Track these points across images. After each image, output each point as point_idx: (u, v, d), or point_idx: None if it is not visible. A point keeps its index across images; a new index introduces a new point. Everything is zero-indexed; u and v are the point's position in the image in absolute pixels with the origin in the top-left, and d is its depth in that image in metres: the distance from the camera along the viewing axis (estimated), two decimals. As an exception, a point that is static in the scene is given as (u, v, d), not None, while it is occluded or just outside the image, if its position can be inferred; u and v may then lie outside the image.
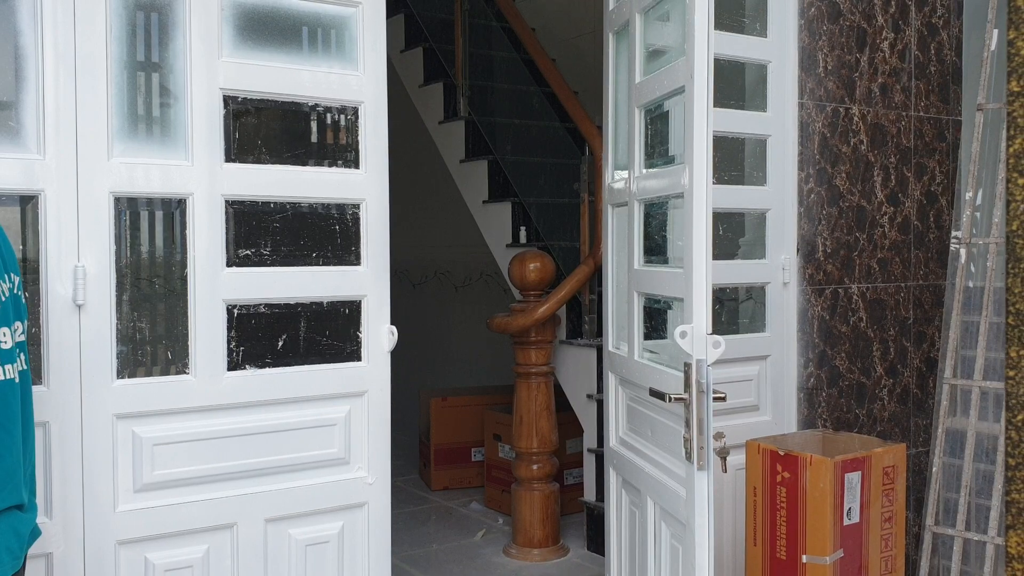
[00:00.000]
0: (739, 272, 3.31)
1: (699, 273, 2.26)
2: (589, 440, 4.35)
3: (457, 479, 5.38)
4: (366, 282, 2.57)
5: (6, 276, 1.77)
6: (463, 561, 4.20)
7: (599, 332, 4.35)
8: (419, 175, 6.35)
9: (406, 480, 5.40)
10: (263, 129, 2.53)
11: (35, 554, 2.06)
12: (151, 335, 2.38)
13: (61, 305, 2.16)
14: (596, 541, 4.24)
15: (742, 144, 3.37)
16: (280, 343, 2.48)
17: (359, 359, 2.57)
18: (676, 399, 2.28)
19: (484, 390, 5.67)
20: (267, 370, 2.44)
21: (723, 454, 2.41)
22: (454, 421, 5.40)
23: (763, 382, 3.33)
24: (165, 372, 2.38)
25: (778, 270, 3.34)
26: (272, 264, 2.45)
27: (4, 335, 1.73)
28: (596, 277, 4.36)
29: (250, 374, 2.41)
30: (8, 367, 1.74)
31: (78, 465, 2.19)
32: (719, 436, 2.33)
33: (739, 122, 3.26)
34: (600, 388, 4.23)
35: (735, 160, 3.36)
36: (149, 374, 2.35)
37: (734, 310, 3.41)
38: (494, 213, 5.09)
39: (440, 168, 5.64)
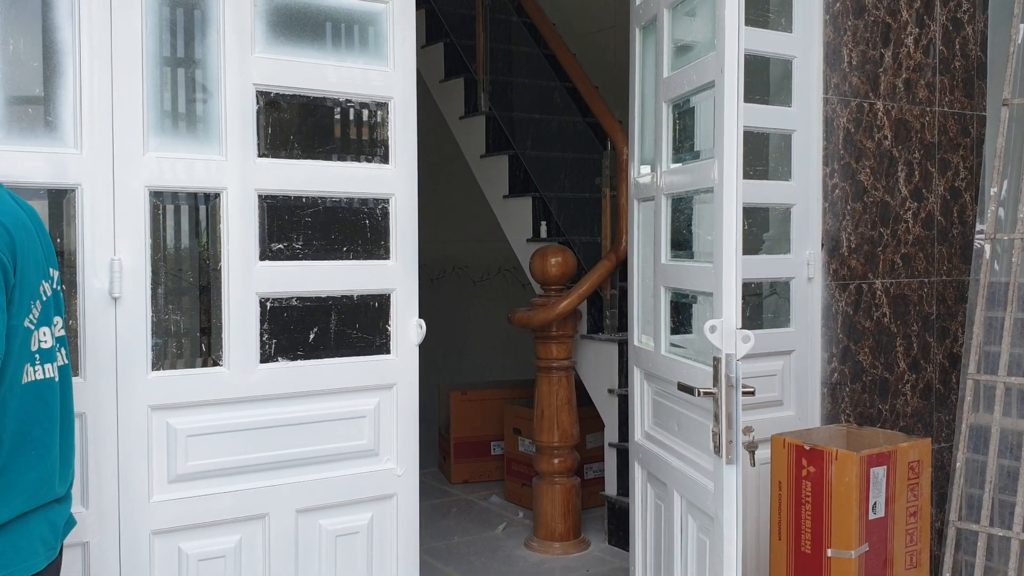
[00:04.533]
0: (764, 267, 3.31)
1: (729, 268, 2.28)
2: (610, 435, 4.37)
3: (477, 472, 5.40)
4: (395, 276, 2.59)
5: (47, 272, 1.79)
6: (485, 554, 4.22)
7: (620, 327, 4.37)
8: (438, 170, 6.37)
9: (426, 473, 5.42)
10: (295, 124, 2.55)
11: (72, 543, 2.09)
12: (185, 328, 2.41)
13: (97, 298, 2.19)
14: (617, 535, 4.26)
15: (767, 139, 3.38)
16: (311, 336, 2.51)
17: (388, 352, 2.60)
18: (705, 393, 2.29)
19: (503, 384, 5.69)
20: (298, 362, 2.46)
21: (751, 448, 2.42)
22: (474, 415, 5.43)
23: (787, 377, 3.33)
24: (199, 364, 2.41)
25: (803, 265, 3.35)
26: (304, 258, 2.47)
27: (44, 334, 1.75)
28: (617, 272, 4.37)
29: (282, 366, 2.43)
30: (48, 366, 1.76)
31: (114, 456, 2.22)
32: (748, 430, 2.34)
33: (764, 117, 3.26)
34: (621, 383, 4.25)
35: (760, 155, 3.37)
36: (183, 366, 2.38)
37: (758, 305, 3.41)
38: (515, 208, 5.11)
39: (459, 163, 5.66)
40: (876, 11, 3.51)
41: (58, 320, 1.82)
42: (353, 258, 2.55)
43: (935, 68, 3.71)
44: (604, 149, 4.62)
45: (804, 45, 3.34)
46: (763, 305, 3.43)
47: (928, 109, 3.69)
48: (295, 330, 2.48)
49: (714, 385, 2.28)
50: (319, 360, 2.50)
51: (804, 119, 3.34)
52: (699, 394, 2.31)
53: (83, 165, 2.17)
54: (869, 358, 3.52)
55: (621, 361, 4.27)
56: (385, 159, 2.58)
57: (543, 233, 4.91)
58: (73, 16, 2.16)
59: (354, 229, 2.56)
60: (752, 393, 2.28)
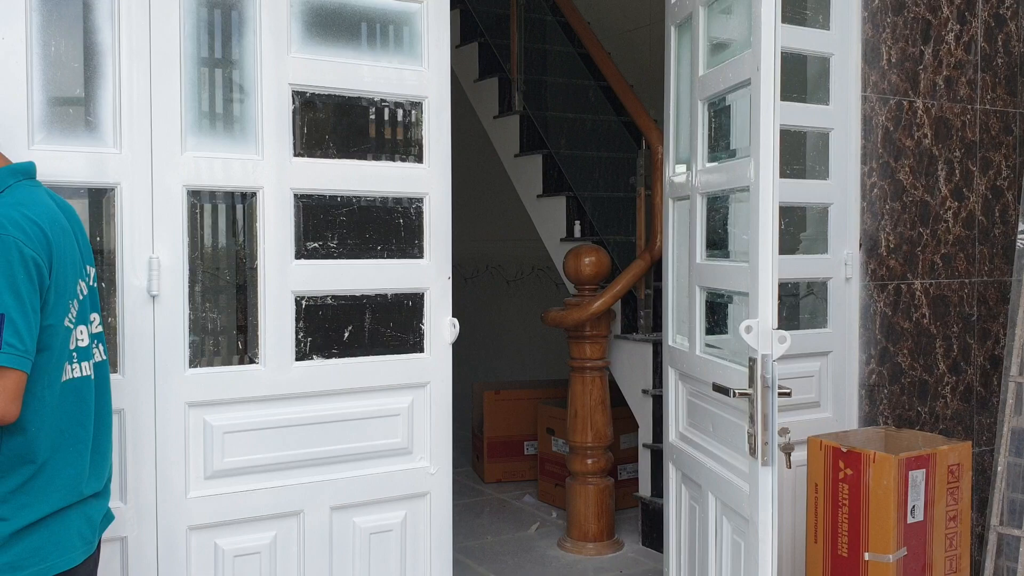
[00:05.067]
0: (801, 267, 3.28)
1: (765, 267, 2.25)
2: (644, 435, 4.34)
3: (510, 472, 5.40)
4: (429, 275, 2.60)
5: (84, 270, 1.81)
6: (518, 553, 4.22)
7: (655, 327, 4.34)
8: (471, 170, 6.38)
9: (459, 472, 5.43)
10: (330, 124, 2.56)
11: (110, 538, 2.12)
12: (222, 325, 2.43)
13: (136, 296, 2.22)
14: (651, 536, 4.23)
15: (804, 138, 3.34)
16: (346, 334, 2.52)
17: (422, 351, 2.61)
18: (741, 394, 2.27)
19: (537, 384, 5.69)
20: (333, 360, 2.48)
21: (788, 450, 2.39)
22: (507, 414, 5.43)
23: (824, 378, 3.30)
24: (235, 362, 2.43)
25: (840, 265, 3.31)
26: (339, 257, 2.49)
27: (82, 332, 1.78)
28: (652, 271, 4.35)
29: (317, 364, 2.45)
30: (85, 364, 1.79)
31: (151, 452, 2.25)
32: (784, 432, 2.31)
33: (801, 115, 3.23)
34: (656, 383, 4.23)
35: (797, 154, 3.33)
36: (220, 363, 2.41)
37: (794, 305, 3.38)
38: (548, 207, 5.10)
39: (493, 162, 5.66)
40: (916, 7, 3.46)
41: (95, 317, 1.85)
42: (387, 257, 2.56)
43: (977, 65, 3.65)
44: (639, 148, 4.59)
45: (842, 42, 3.30)
46: (800, 305, 3.40)
47: (969, 107, 3.63)
48: (330, 328, 2.49)
49: (750, 386, 2.26)
50: (353, 358, 2.51)
51: (842, 117, 3.30)
52: (735, 395, 2.29)
53: (122, 164, 2.20)
54: (908, 359, 3.47)
55: (655, 361, 4.24)
56: (419, 158, 2.58)
57: (577, 232, 4.90)
58: (113, 18, 2.19)
59: (388, 228, 2.57)
60: (789, 394, 2.26)
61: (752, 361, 2.25)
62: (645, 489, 4.34)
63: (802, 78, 3.35)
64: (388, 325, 2.58)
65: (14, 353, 1.58)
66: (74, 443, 1.74)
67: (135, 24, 2.20)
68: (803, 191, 3.27)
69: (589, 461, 4.26)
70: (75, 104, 2.22)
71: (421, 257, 2.59)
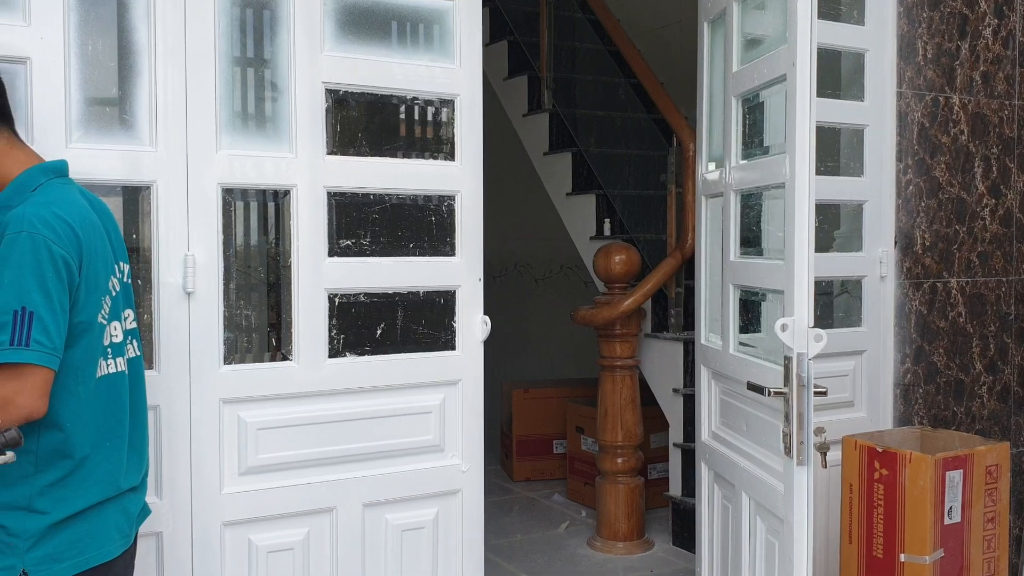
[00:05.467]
0: (835, 265, 3.24)
1: (801, 265, 2.23)
2: (675, 435, 4.32)
3: (539, 471, 5.40)
4: (460, 272, 2.60)
5: (117, 267, 1.82)
6: (548, 552, 4.21)
7: (686, 326, 4.32)
8: (500, 168, 6.37)
9: (488, 470, 5.35)
10: (362, 122, 2.57)
11: (146, 533, 2.14)
12: (256, 322, 2.45)
13: (171, 293, 2.23)
14: (682, 536, 4.21)
15: (838, 134, 3.31)
16: (378, 331, 2.53)
17: (453, 348, 2.61)
18: (776, 393, 2.25)
19: (566, 382, 5.67)
20: (366, 358, 2.49)
21: (823, 449, 2.37)
22: (536, 413, 5.42)
23: (858, 377, 3.26)
24: (269, 359, 2.45)
25: (875, 263, 3.27)
26: (371, 254, 2.49)
27: (115, 329, 1.80)
28: (683, 270, 4.32)
29: (350, 361, 2.46)
30: (119, 360, 1.80)
31: (186, 448, 2.26)
32: (819, 431, 2.29)
33: (835, 112, 3.19)
34: (687, 382, 4.20)
35: (831, 150, 3.30)
36: (253, 360, 2.42)
37: (828, 304, 3.35)
38: (578, 205, 5.08)
39: (522, 161, 5.65)
40: (953, 2, 3.41)
41: (128, 313, 1.86)
42: (419, 255, 2.56)
43: (1015, 60, 3.59)
44: (669, 145, 4.57)
45: (877, 38, 3.26)
46: (834, 304, 3.36)
47: (1007, 103, 3.57)
48: (362, 326, 2.50)
49: (785, 385, 2.23)
50: (386, 356, 2.52)
51: (877, 114, 3.27)
52: (769, 394, 2.27)
53: (158, 162, 2.22)
54: (944, 359, 3.43)
55: (686, 360, 4.22)
56: (451, 156, 2.58)
57: (607, 231, 4.88)
58: (148, 17, 2.21)
59: (420, 226, 2.57)
60: (824, 393, 2.23)
61: (787, 359, 2.23)
62: (676, 488, 4.32)
63: (836, 74, 3.32)
64: (420, 322, 2.59)
65: (42, 350, 1.59)
66: (110, 438, 1.76)
67: (170, 23, 2.22)
68: (837, 188, 3.24)
69: (619, 460, 4.25)
70: (111, 103, 2.24)
71: (453, 255, 2.59)
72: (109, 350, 1.77)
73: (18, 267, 1.59)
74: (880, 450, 2.78)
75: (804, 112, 2.23)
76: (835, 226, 3.35)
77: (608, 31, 5.22)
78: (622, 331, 4.23)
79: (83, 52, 2.15)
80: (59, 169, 1.81)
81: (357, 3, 2.46)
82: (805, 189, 2.23)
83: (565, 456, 5.23)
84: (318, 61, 2.39)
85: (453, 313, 2.60)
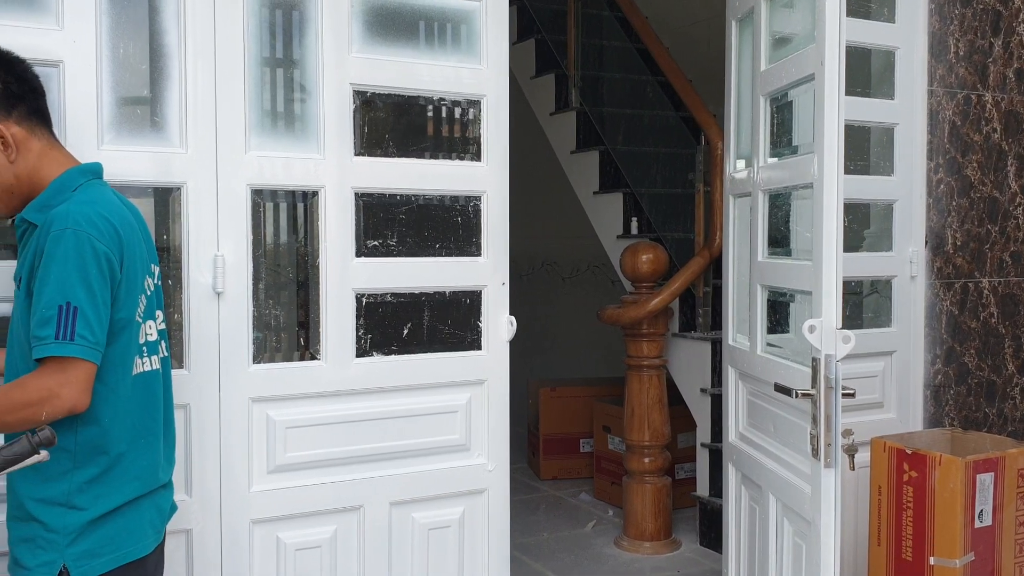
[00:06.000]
0: (864, 265, 3.22)
1: (829, 266, 2.22)
2: (702, 435, 4.30)
3: (566, 469, 5.40)
4: (486, 273, 2.60)
5: (150, 268, 1.85)
6: (575, 551, 4.22)
7: (714, 325, 4.30)
8: (527, 166, 6.37)
9: (515, 469, 5.37)
10: (389, 123, 2.58)
11: (176, 530, 2.17)
12: (284, 322, 2.47)
13: (201, 293, 2.26)
14: (709, 536, 4.20)
15: (868, 133, 3.28)
16: (405, 331, 2.54)
17: (479, 348, 2.61)
18: (803, 395, 2.24)
19: (593, 381, 5.67)
20: (392, 357, 2.50)
21: (851, 452, 2.35)
22: (563, 411, 5.42)
23: (888, 378, 3.23)
24: (297, 358, 2.47)
25: (905, 263, 3.24)
26: (398, 255, 2.51)
27: (150, 327, 1.83)
28: (711, 269, 4.30)
29: (377, 361, 2.47)
30: (153, 358, 1.83)
31: (216, 446, 2.29)
32: (847, 433, 2.27)
33: (865, 110, 3.17)
34: (714, 382, 4.19)
35: (861, 149, 3.27)
36: (282, 359, 2.44)
37: (858, 304, 3.32)
38: (605, 204, 5.07)
39: (549, 159, 5.65)
40: (986, -2, 3.37)
41: (159, 314, 1.89)
42: (445, 255, 2.57)
43: (1049, 57, 3.54)
44: (697, 144, 4.55)
45: (908, 35, 3.23)
46: (863, 304, 3.34)
47: (1041, 100, 3.52)
48: (389, 325, 2.51)
49: (812, 386, 2.22)
50: (412, 355, 2.53)
51: (907, 112, 3.24)
52: (797, 396, 2.26)
53: (188, 164, 2.24)
54: (975, 360, 3.39)
55: (714, 360, 4.20)
56: (477, 156, 2.59)
57: (634, 229, 4.87)
58: (179, 19, 2.23)
59: (446, 226, 2.58)
60: (853, 395, 2.22)
61: (815, 361, 2.22)
62: (703, 488, 4.30)
63: (866, 72, 3.29)
64: (446, 322, 2.60)
65: (86, 345, 1.62)
66: (145, 435, 1.79)
67: (200, 25, 2.24)
68: (867, 187, 3.21)
69: (646, 460, 4.24)
70: (142, 105, 2.27)
71: (479, 255, 2.60)
72: (144, 348, 1.80)
73: (63, 263, 1.62)
74: (909, 452, 2.76)
75: (832, 112, 2.22)
76: (865, 225, 3.32)
77: (636, 28, 5.20)
78: (649, 331, 4.22)
79: (114, 55, 2.18)
80: (96, 171, 1.84)
81: (384, 4, 2.47)
82: (833, 190, 2.21)
83: (592, 455, 5.22)
84: (346, 62, 2.40)
85: (479, 313, 2.61)
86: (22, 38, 2.02)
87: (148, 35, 2.25)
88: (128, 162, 2.17)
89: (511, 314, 2.63)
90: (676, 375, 4.46)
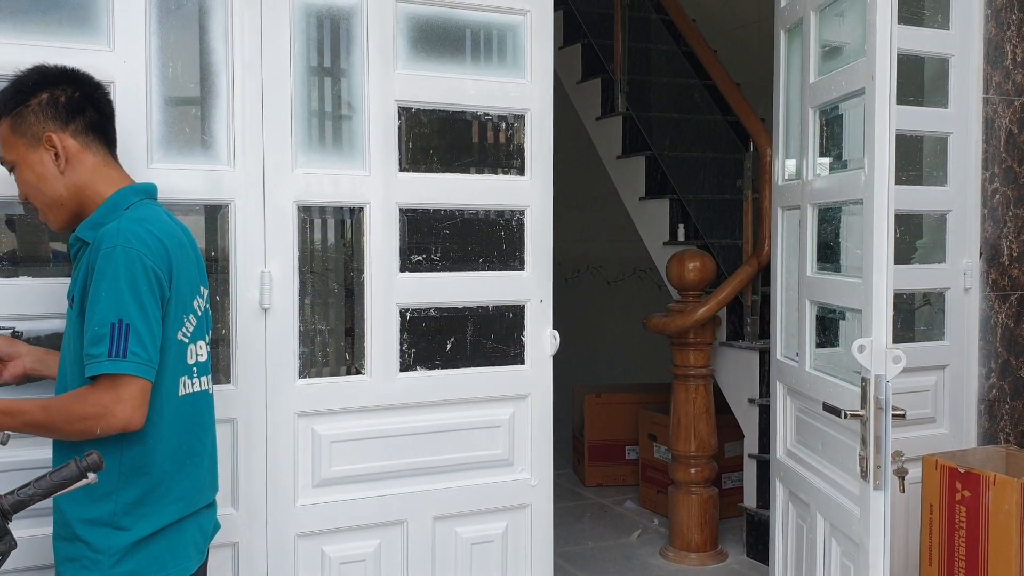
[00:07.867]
0: (916, 277, 3.15)
1: (879, 284, 2.17)
2: (750, 445, 4.25)
3: (611, 476, 5.37)
4: (529, 287, 2.60)
5: (199, 289, 1.87)
6: (619, 561, 4.19)
7: (762, 334, 4.24)
8: (573, 171, 6.35)
9: (560, 475, 5.38)
10: (433, 138, 2.59)
11: (222, 543, 2.20)
12: (330, 337, 2.49)
13: (248, 308, 2.28)
14: (756, 548, 4.14)
15: (920, 142, 3.21)
16: (448, 345, 2.54)
17: (522, 363, 2.61)
18: (852, 415, 2.20)
19: (638, 388, 5.63)
20: (436, 371, 2.51)
21: (901, 474, 2.30)
22: (608, 418, 5.39)
23: (940, 393, 3.16)
24: (342, 372, 2.49)
25: (959, 275, 3.17)
26: (441, 269, 2.52)
27: (200, 348, 1.84)
28: (760, 277, 4.25)
29: (421, 375, 2.48)
30: (204, 379, 1.85)
31: (262, 460, 2.31)
32: (897, 455, 2.23)
33: (918, 119, 3.10)
34: (763, 392, 4.13)
35: (913, 159, 3.20)
36: (328, 374, 2.46)
37: (909, 317, 3.25)
38: (651, 210, 5.03)
39: (595, 163, 5.62)
40: (1045, 3, 3.28)
41: (208, 335, 1.90)
42: (488, 269, 2.57)
43: (1111, 62, 3.43)
44: (745, 149, 4.49)
45: (963, 42, 3.15)
46: (915, 316, 3.27)
47: (1103, 106, 3.42)
48: (432, 340, 2.52)
49: (862, 407, 2.18)
50: (455, 370, 2.54)
51: (962, 121, 3.16)
52: (846, 416, 2.22)
53: (236, 181, 2.27)
54: (1032, 374, 3.30)
55: (762, 370, 4.14)
56: (521, 170, 2.59)
57: (680, 236, 4.82)
58: (226, 38, 2.26)
59: (490, 240, 2.58)
60: (903, 415, 2.17)
61: (864, 381, 2.17)
62: (750, 500, 4.25)
63: (919, 80, 3.22)
64: (489, 337, 2.60)
65: (139, 361, 1.63)
66: (190, 456, 1.80)
67: (247, 44, 2.27)
68: (920, 198, 3.14)
69: (692, 470, 4.20)
70: (191, 123, 2.30)
71: (522, 269, 2.60)
72: (194, 368, 1.81)
73: (114, 280, 1.64)
74: (962, 471, 2.69)
75: (883, 127, 2.17)
76: (917, 236, 3.26)
77: (683, 32, 5.15)
78: (696, 340, 4.18)
79: (163, 74, 2.21)
80: (149, 191, 1.86)
81: (429, 21, 2.48)
82: (884, 206, 2.17)
83: (637, 462, 5.19)
84: (391, 79, 2.41)
85: (522, 327, 2.60)
86: (74, 59, 2.04)
87: (197, 54, 2.28)
88: (177, 179, 2.20)
89: (556, 318, 2.62)
90: (724, 384, 4.41)
